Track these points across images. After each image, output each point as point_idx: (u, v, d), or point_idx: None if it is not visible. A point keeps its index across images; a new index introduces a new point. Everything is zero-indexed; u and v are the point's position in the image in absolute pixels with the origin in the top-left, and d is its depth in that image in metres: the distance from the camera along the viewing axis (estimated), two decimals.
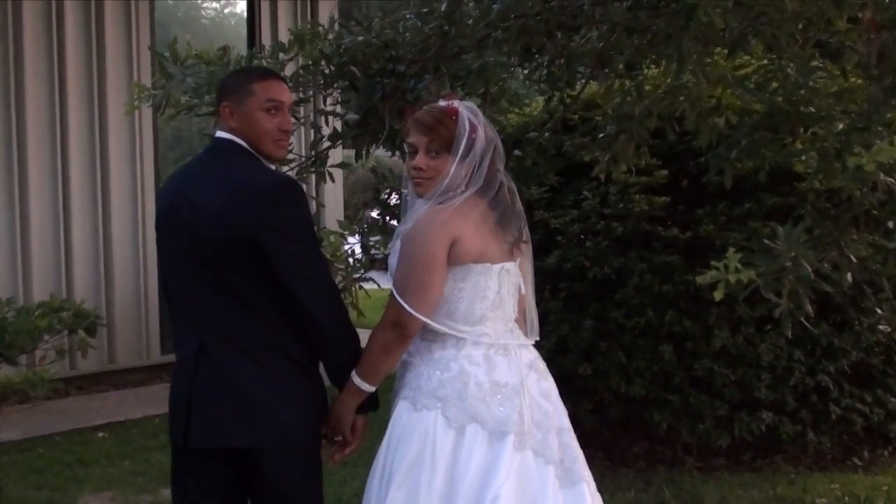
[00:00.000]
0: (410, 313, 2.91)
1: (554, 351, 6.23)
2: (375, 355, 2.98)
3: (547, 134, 5.10)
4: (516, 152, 4.96)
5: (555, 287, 6.47)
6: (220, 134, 3.11)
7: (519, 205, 3.13)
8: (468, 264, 2.97)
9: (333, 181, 5.04)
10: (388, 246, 3.45)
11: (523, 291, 3.15)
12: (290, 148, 3.32)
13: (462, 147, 2.97)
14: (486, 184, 3.01)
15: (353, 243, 4.78)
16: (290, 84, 4.27)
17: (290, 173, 4.67)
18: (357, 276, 4.50)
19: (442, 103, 3.08)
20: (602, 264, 6.35)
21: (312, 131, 4.83)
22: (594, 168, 5.07)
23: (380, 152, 5.32)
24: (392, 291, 2.96)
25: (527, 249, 3.18)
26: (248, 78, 3.11)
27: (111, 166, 8.94)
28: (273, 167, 3.14)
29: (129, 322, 9.01)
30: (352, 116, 4.79)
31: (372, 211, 4.98)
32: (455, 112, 3.01)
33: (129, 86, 8.51)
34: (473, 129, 3.00)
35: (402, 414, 3.00)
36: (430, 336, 3.03)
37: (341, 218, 8.82)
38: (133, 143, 9.08)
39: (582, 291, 6.44)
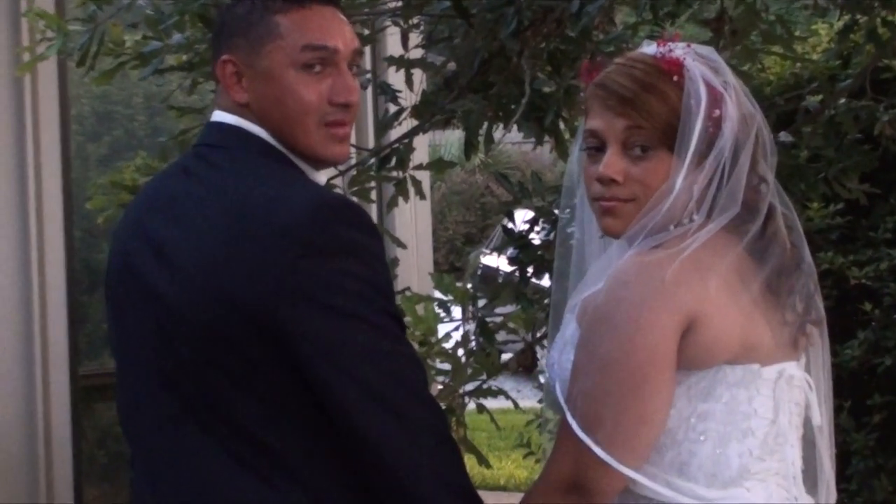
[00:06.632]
0: (605, 464, 2.95)
1: None
2: None
3: (843, 100, 5.13)
4: (780, 136, 5.00)
5: (858, 406, 6.50)
6: (217, 117, 3.19)
7: (806, 251, 3.16)
8: (719, 367, 3.00)
9: (423, 198, 5.05)
10: (546, 328, 3.48)
11: (817, 421, 3.18)
12: None
13: (695, 136, 3.01)
14: (745, 208, 3.05)
15: (459, 321, 4.85)
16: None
17: (335, 184, 4.78)
18: (472, 386, 4.56)
19: (649, 50, 3.13)
20: None
21: (373, 100, 4.89)
22: None
23: (508, 137, 5.42)
24: (566, 423, 3.00)
25: (820, 337, 3.22)
26: (265, 5, 3.16)
27: None
28: (320, 176, 3.21)
29: (13, 464, 9.17)
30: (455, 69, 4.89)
31: (487, 251, 5.05)
32: (678, 67, 3.05)
33: (12, 21, 8.65)
34: (716, 98, 3.04)
35: None
36: None
37: (431, 268, 8.95)
38: (20, 132, 9.22)
39: None
